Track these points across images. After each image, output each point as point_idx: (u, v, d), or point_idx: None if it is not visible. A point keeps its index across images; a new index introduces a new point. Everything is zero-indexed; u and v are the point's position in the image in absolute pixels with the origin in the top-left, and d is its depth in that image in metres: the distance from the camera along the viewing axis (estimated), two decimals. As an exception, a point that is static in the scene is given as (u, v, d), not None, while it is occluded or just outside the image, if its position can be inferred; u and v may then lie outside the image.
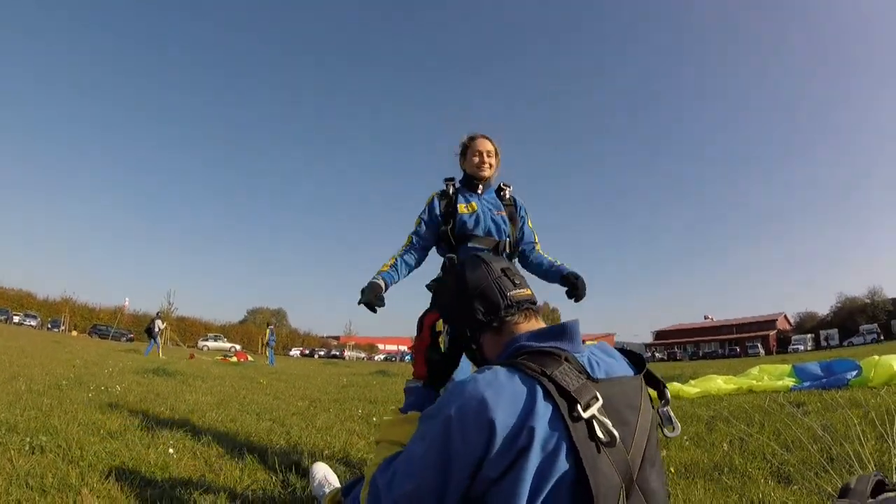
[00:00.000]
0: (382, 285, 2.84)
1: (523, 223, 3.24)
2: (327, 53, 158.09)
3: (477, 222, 3.04)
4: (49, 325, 51.87)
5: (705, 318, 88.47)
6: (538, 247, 3.26)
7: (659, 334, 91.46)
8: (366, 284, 2.81)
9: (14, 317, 49.66)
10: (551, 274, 3.17)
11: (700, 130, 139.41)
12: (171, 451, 3.32)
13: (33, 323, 49.81)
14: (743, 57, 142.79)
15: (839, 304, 72.16)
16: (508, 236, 3.11)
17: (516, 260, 3.23)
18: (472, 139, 3.18)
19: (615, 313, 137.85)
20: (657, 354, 75.49)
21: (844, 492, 1.04)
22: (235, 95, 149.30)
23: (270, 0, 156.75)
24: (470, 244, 3.01)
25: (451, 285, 1.59)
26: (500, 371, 1.20)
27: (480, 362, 1.59)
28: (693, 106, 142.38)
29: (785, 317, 77.24)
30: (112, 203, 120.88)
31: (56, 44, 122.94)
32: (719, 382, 7.91)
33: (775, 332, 71.40)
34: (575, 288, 3.02)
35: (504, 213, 3.13)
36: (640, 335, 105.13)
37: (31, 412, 4.18)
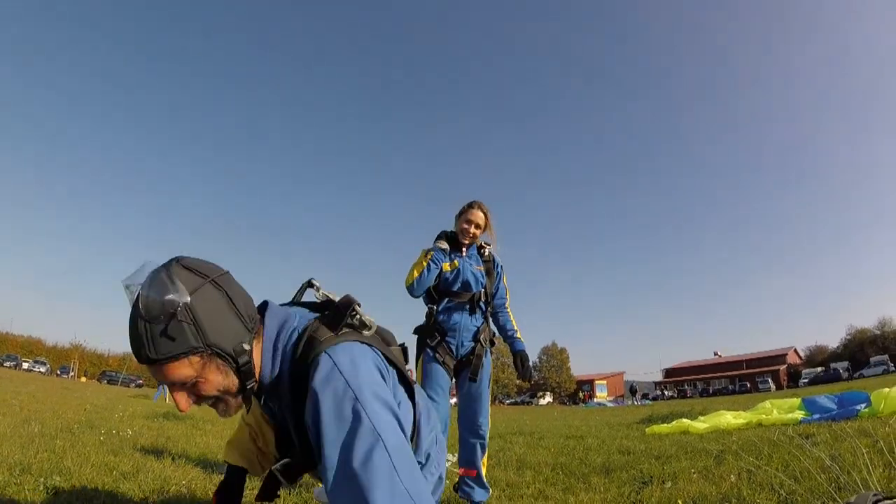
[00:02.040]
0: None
1: (499, 280, 3.82)
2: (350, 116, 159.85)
3: (457, 277, 3.64)
4: (58, 372, 51.91)
5: (715, 354, 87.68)
6: (508, 305, 3.84)
7: (668, 372, 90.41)
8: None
9: (23, 363, 49.78)
10: (508, 341, 3.82)
11: (707, 165, 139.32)
12: (183, 489, 3.38)
13: (42, 369, 49.96)
14: (753, 87, 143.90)
15: (849, 336, 71.41)
16: (484, 287, 3.69)
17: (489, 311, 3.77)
18: (468, 207, 3.74)
19: (624, 352, 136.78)
20: (667, 392, 74.46)
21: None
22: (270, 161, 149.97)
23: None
24: (447, 298, 3.64)
25: None
26: (354, 345, 1.42)
27: None
28: (699, 140, 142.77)
29: (795, 350, 76.37)
30: (122, 250, 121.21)
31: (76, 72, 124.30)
32: (728, 417, 7.88)
33: (786, 366, 70.49)
34: (517, 368, 3.71)
35: (482, 269, 3.72)
36: (649, 373, 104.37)
37: (45, 454, 4.22)
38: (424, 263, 3.51)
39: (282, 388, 1.45)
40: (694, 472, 4.01)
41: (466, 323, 3.64)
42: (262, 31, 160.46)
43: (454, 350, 3.61)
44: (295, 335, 1.46)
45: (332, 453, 1.19)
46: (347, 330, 1.48)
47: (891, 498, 1.05)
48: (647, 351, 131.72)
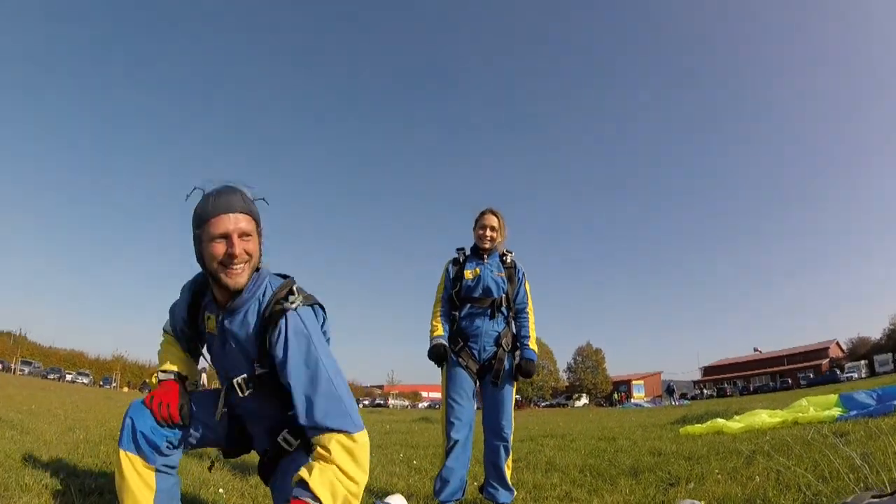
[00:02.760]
0: (446, 345, 3.69)
1: (520, 285, 3.88)
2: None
3: (478, 284, 3.77)
4: (101, 383, 53.23)
5: (755, 350, 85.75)
6: (530, 310, 3.88)
7: (707, 370, 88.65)
8: (432, 346, 3.68)
9: (66, 375, 51.13)
10: (519, 346, 3.80)
11: (739, 165, 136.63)
12: (220, 490, 3.53)
13: (85, 380, 51.33)
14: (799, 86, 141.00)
15: (892, 327, 69.11)
16: (505, 293, 3.78)
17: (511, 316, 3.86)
18: (481, 214, 3.94)
19: (661, 351, 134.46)
20: (706, 391, 73.11)
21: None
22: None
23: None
24: (469, 305, 3.77)
25: None
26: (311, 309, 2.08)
27: None
28: (734, 139, 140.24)
29: (837, 344, 74.16)
30: (163, 261, 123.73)
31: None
32: (764, 416, 7.74)
33: (827, 360, 68.50)
34: (519, 369, 3.71)
35: (503, 275, 3.82)
36: (687, 372, 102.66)
37: (90, 459, 4.36)
38: (438, 324, 3.78)
39: (248, 312, 2.03)
40: (719, 473, 3.98)
41: (488, 328, 3.73)
42: (269, 31, 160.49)
43: (477, 355, 3.70)
44: (270, 286, 2.06)
45: (296, 370, 1.89)
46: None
47: (885, 495, 1.05)
48: (685, 349, 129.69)
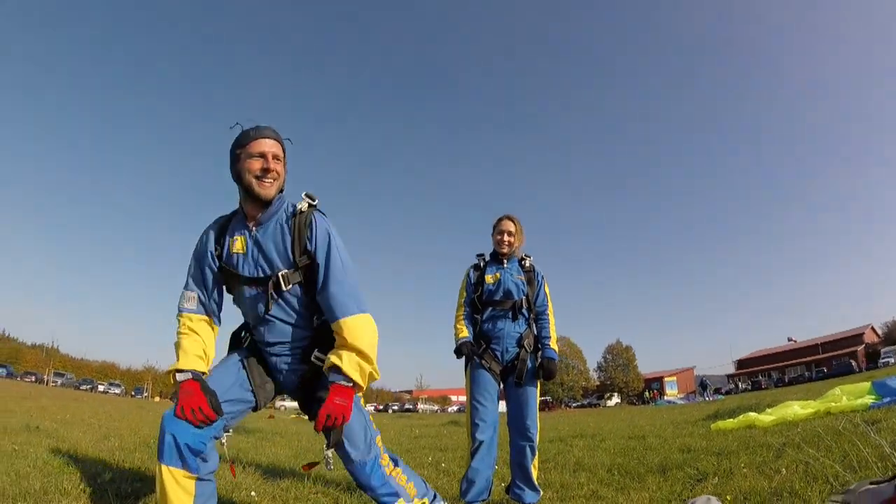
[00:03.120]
0: (471, 342, 3.82)
1: (540, 288, 3.98)
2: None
3: (498, 287, 3.87)
4: (132, 393, 54.08)
5: (789, 340, 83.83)
6: (550, 312, 3.96)
7: (741, 363, 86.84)
8: (459, 345, 3.79)
9: (99, 386, 52.04)
10: (539, 346, 3.86)
11: (771, 147, 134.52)
12: (252, 493, 3.63)
13: (117, 391, 52.20)
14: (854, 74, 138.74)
15: (928, 307, 67.08)
16: (525, 295, 3.87)
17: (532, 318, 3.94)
18: (498, 220, 4.03)
19: (693, 346, 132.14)
20: (741, 385, 71.65)
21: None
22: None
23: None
24: (491, 308, 3.86)
25: None
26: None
27: None
28: (765, 123, 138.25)
29: (872, 328, 72.24)
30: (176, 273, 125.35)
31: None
32: (796, 408, 7.61)
33: (863, 346, 66.64)
34: (539, 374, 3.76)
35: (523, 278, 3.92)
36: (721, 366, 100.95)
37: (125, 465, 4.47)
38: (462, 327, 3.88)
39: (277, 221, 2.43)
40: (746, 468, 3.94)
41: (510, 329, 3.80)
42: (269, 31, 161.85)
43: (500, 356, 3.76)
44: (290, 203, 2.50)
45: (328, 258, 2.36)
46: None
47: (883, 481, 1.05)
48: (718, 342, 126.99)
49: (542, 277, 4.01)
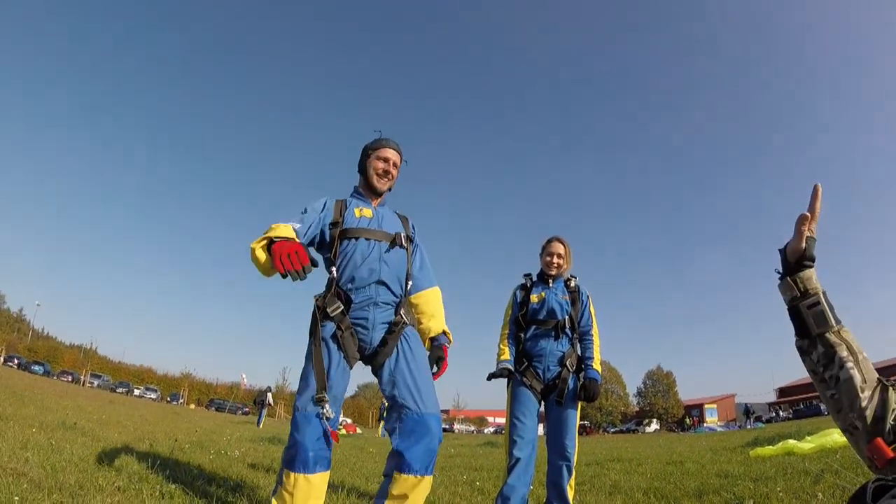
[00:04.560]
0: (511, 369, 3.85)
1: (584, 308, 4.02)
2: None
3: (542, 307, 3.94)
4: (168, 399, 54.72)
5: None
6: (594, 332, 3.98)
7: (782, 391, 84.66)
8: (498, 370, 3.83)
9: (135, 390, 52.81)
10: (583, 367, 3.88)
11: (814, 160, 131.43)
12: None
13: (153, 396, 52.56)
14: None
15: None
16: (569, 314, 3.91)
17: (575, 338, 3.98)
18: (548, 242, 4.10)
19: (734, 373, 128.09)
20: (782, 413, 69.70)
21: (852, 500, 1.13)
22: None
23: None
24: (534, 326, 3.92)
25: None
26: None
27: None
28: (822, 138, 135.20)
29: (921, 354, 69.54)
30: (231, 285, 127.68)
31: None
32: (835, 436, 7.46)
33: (908, 374, 64.20)
34: (581, 395, 3.76)
35: (567, 298, 3.98)
36: (762, 394, 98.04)
37: (159, 466, 4.56)
38: (505, 348, 3.93)
39: (388, 209, 3.15)
40: (782, 492, 3.93)
41: (552, 348, 3.83)
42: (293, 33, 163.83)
43: (541, 374, 3.80)
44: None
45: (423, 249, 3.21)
46: None
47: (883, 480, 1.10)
48: (760, 370, 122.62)
49: (588, 297, 4.03)
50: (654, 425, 70.46)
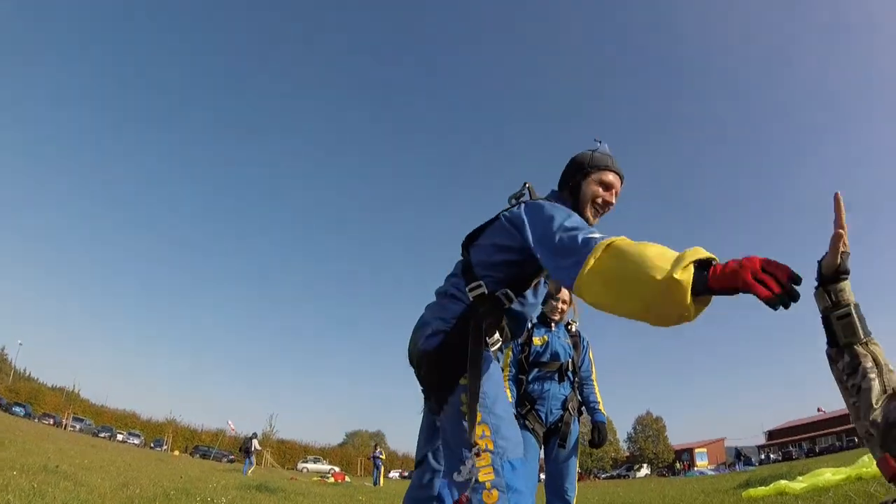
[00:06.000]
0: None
1: (585, 353, 4.06)
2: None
3: (546, 349, 3.87)
4: (152, 444, 53.46)
5: (818, 410, 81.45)
6: (594, 377, 4.06)
7: (771, 434, 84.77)
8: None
9: (118, 434, 51.58)
10: (589, 412, 3.97)
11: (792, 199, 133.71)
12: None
13: (136, 441, 51.17)
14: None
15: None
16: (571, 357, 3.92)
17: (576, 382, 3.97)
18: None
19: (723, 417, 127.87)
20: (772, 455, 69.57)
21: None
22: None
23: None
24: (537, 369, 3.85)
25: None
26: None
27: None
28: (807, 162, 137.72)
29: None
30: (218, 329, 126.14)
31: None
32: (827, 475, 7.47)
33: (897, 415, 64.54)
34: (593, 440, 3.88)
35: (569, 342, 3.96)
36: (751, 437, 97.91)
37: None
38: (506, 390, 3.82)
39: None
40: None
41: (555, 391, 3.81)
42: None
43: (543, 418, 3.75)
44: None
45: None
46: None
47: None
48: (748, 414, 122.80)
49: (588, 343, 4.07)
50: (645, 470, 70.26)
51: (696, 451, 78.64)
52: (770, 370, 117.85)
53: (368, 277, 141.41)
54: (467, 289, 1.96)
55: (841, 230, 1.35)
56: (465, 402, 1.76)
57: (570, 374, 3.88)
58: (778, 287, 1.27)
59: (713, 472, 46.83)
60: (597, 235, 1.63)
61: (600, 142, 2.30)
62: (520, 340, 3.91)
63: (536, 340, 3.91)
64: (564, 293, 3.94)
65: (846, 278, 1.35)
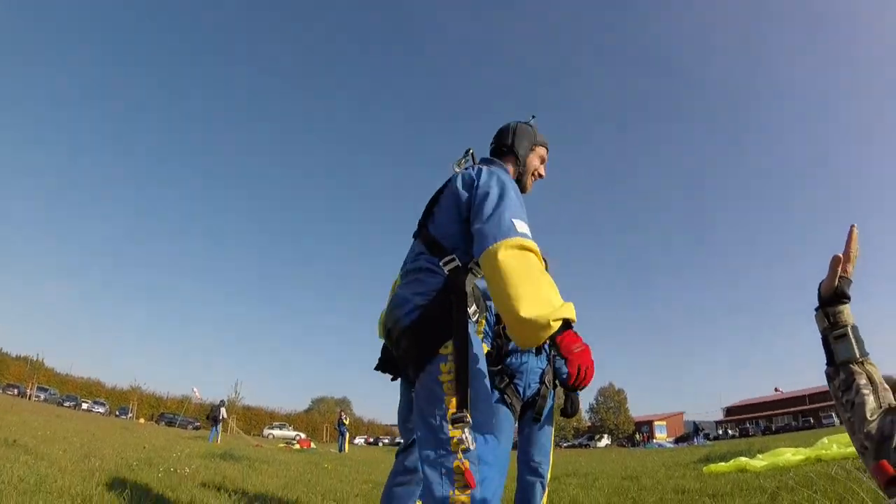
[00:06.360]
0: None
1: None
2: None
3: None
4: (117, 413, 52.90)
5: (775, 390, 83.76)
6: None
7: (729, 410, 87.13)
8: None
9: (83, 403, 50.90)
10: (562, 383, 3.76)
11: (763, 200, 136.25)
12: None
13: (101, 410, 50.53)
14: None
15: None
16: None
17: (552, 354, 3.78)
18: None
19: (683, 392, 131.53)
20: (730, 431, 71.56)
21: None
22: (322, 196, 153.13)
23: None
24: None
25: None
26: None
27: None
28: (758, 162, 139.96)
29: (861, 384, 72.20)
30: (182, 295, 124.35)
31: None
32: (787, 455, 7.68)
33: (852, 400, 66.83)
34: (567, 409, 3.86)
35: None
36: (710, 413, 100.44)
37: (105, 487, 4.33)
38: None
39: None
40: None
41: (533, 365, 3.68)
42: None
43: (521, 392, 3.63)
44: None
45: None
46: None
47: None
48: (708, 390, 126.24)
49: None
50: (606, 440, 72.11)
51: (656, 423, 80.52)
52: (731, 349, 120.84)
53: (335, 242, 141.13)
54: (441, 263, 1.94)
55: (840, 255, 1.39)
56: (443, 372, 1.76)
57: (546, 346, 3.65)
58: (581, 381, 1.66)
59: (671, 445, 48.02)
60: (525, 231, 1.77)
61: (534, 117, 2.43)
62: (494, 309, 3.62)
63: None
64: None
65: (846, 302, 1.39)
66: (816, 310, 1.45)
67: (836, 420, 56.81)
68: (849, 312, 1.39)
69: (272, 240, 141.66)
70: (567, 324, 1.66)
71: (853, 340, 1.35)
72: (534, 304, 1.60)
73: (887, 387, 1.31)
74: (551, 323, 1.59)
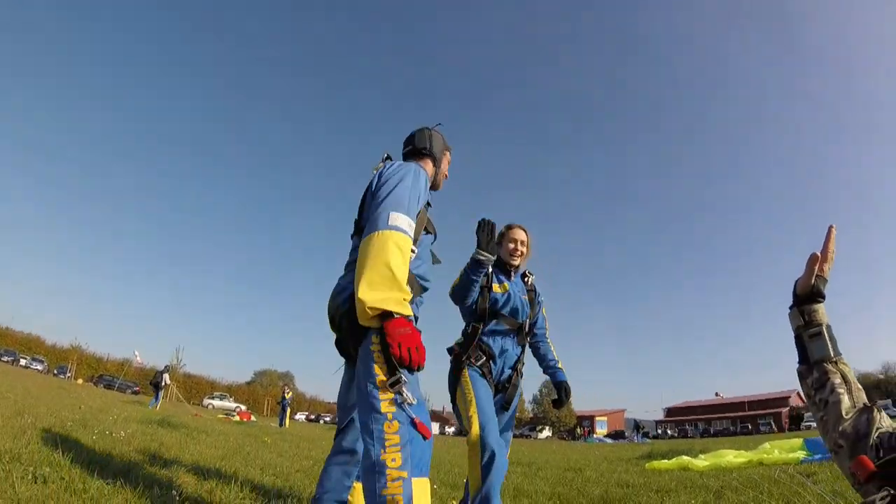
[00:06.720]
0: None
1: (539, 309, 3.72)
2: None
3: (507, 301, 3.47)
4: (55, 371, 51.52)
5: (716, 395, 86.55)
6: (548, 334, 3.78)
7: (670, 411, 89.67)
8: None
9: (21, 359, 49.45)
10: (550, 371, 3.73)
11: (715, 208, 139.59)
12: (173, 492, 3.36)
13: (39, 367, 49.42)
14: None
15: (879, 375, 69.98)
16: (528, 318, 3.57)
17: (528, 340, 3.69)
18: (508, 228, 3.66)
19: (625, 390, 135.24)
20: (669, 431, 73.70)
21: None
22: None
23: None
24: (495, 321, 3.46)
25: None
26: None
27: None
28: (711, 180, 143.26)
29: (798, 394, 74.41)
30: (129, 255, 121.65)
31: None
32: (730, 456, 7.81)
33: (788, 409, 69.43)
34: (560, 399, 3.69)
35: (527, 297, 3.59)
36: (651, 412, 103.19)
37: (36, 445, 4.18)
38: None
39: None
40: (693, 504, 3.97)
41: (512, 351, 3.52)
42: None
43: (495, 376, 3.45)
44: None
45: None
46: None
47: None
48: (650, 389, 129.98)
49: (542, 299, 3.75)
50: (547, 432, 73.30)
51: (598, 418, 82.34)
52: (675, 352, 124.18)
53: (284, 215, 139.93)
54: None
55: (818, 254, 1.38)
56: (374, 342, 1.95)
57: (524, 334, 3.58)
58: (406, 359, 1.84)
59: (611, 441, 48.99)
60: (398, 224, 2.03)
61: (440, 124, 2.73)
62: (479, 285, 3.35)
63: (497, 287, 3.49)
64: (521, 234, 3.63)
65: (821, 301, 1.38)
66: (791, 307, 1.43)
67: (774, 427, 59.15)
68: (823, 311, 1.38)
69: (226, 208, 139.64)
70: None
71: (828, 339, 1.34)
72: (370, 289, 1.88)
73: (860, 386, 1.29)
74: (376, 307, 1.87)
